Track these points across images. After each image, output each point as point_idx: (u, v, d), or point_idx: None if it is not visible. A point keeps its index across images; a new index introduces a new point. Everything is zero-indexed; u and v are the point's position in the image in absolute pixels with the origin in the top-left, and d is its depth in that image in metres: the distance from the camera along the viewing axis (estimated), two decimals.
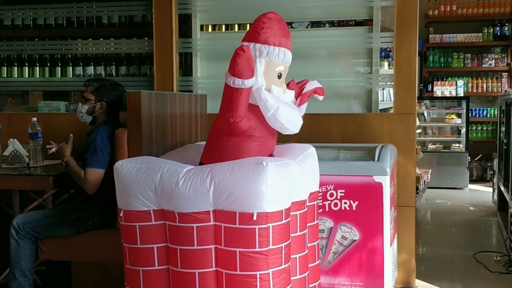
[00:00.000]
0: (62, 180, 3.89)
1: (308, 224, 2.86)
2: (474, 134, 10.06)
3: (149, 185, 2.58)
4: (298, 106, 2.88)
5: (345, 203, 3.62)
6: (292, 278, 2.65)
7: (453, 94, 9.85)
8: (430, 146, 9.58)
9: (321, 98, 2.99)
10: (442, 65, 10.18)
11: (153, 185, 2.57)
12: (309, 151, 3.02)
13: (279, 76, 2.73)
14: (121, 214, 2.68)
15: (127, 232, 2.67)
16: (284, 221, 2.51)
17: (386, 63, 6.38)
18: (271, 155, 2.79)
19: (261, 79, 2.64)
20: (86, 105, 3.99)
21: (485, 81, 10.07)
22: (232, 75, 2.51)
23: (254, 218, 2.41)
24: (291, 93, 2.83)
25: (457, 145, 9.45)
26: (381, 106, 4.86)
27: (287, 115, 2.67)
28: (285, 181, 2.53)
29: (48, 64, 5.32)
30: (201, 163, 2.78)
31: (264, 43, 2.65)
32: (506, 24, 9.88)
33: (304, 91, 2.92)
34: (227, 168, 2.49)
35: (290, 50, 2.76)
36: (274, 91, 2.67)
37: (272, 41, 2.66)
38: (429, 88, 10.09)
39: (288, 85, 2.85)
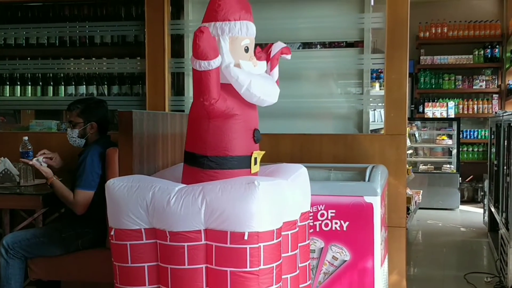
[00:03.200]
0: (52, 199, 3.88)
1: (299, 244, 2.86)
2: (465, 155, 10.10)
3: (141, 203, 2.58)
4: (270, 71, 2.83)
5: (336, 223, 3.62)
6: None
7: (444, 115, 9.90)
8: (421, 167, 9.60)
9: (289, 57, 2.90)
10: (433, 86, 10.25)
11: (145, 204, 2.57)
12: (301, 171, 3.02)
13: (246, 50, 2.68)
14: (112, 233, 2.66)
15: (118, 250, 2.66)
16: (275, 241, 2.50)
17: (377, 84, 6.42)
18: (255, 130, 2.75)
19: (228, 57, 2.59)
20: (76, 129, 3.99)
21: (476, 102, 10.13)
22: (197, 58, 2.46)
23: (246, 237, 2.40)
24: (263, 64, 2.77)
25: (448, 166, 9.48)
26: (372, 127, 4.88)
27: (261, 87, 2.64)
28: (277, 201, 2.53)
29: (40, 83, 5.33)
30: (185, 152, 2.76)
31: (224, 20, 2.61)
32: (497, 46, 9.97)
33: (271, 55, 2.84)
34: (219, 187, 2.48)
35: (252, 21, 2.71)
36: (243, 66, 2.63)
37: (232, 16, 2.61)
38: (420, 109, 10.15)
39: (254, 55, 2.78)
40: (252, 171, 2.71)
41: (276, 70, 2.86)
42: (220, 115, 2.60)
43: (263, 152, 2.77)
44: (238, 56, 2.64)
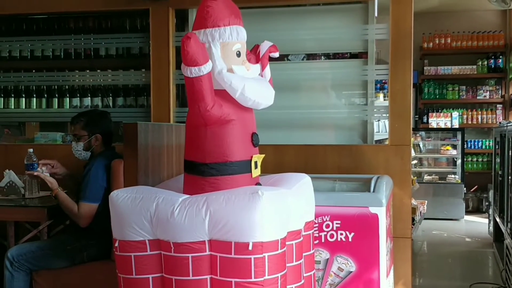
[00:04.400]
0: (57, 212, 3.88)
1: (304, 254, 2.85)
2: (469, 165, 10.09)
3: (145, 214, 2.57)
4: (262, 71, 2.82)
5: (341, 234, 3.61)
6: None
7: (448, 125, 9.90)
8: (426, 177, 9.59)
9: (277, 54, 2.89)
10: (437, 96, 10.25)
11: (149, 215, 2.57)
12: (304, 180, 3.01)
13: (238, 54, 2.68)
14: (116, 244, 2.66)
15: (122, 262, 2.66)
16: (280, 251, 2.50)
17: (381, 95, 6.43)
18: (254, 133, 2.75)
19: (220, 63, 2.59)
20: (81, 141, 3.99)
21: (480, 112, 10.13)
22: (187, 65, 2.46)
23: (250, 248, 2.40)
24: (256, 68, 2.77)
25: (452, 176, 9.47)
26: (376, 137, 4.88)
27: (256, 90, 2.63)
28: (281, 210, 2.53)
29: (45, 95, 5.35)
30: (185, 161, 2.76)
31: (213, 26, 2.60)
32: (500, 56, 9.98)
33: (261, 55, 2.83)
34: (223, 197, 2.48)
35: (242, 25, 2.71)
36: (236, 71, 2.62)
37: (222, 22, 2.61)
38: (425, 120, 10.15)
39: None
40: (253, 175, 2.70)
41: (267, 70, 2.86)
42: (216, 121, 2.59)
43: (263, 156, 2.76)
44: (230, 61, 2.64)
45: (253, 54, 2.85)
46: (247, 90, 2.59)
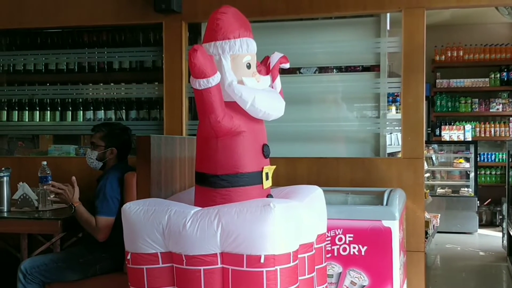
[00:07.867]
0: (70, 224, 3.89)
1: (316, 267, 2.84)
2: (482, 178, 10.02)
3: (157, 227, 2.58)
4: (272, 83, 2.82)
5: (354, 247, 3.60)
6: None
7: (461, 138, 9.84)
8: (439, 190, 9.53)
9: (287, 65, 2.90)
10: (450, 109, 10.21)
11: (161, 227, 2.57)
12: (316, 192, 3.00)
13: (248, 66, 2.69)
14: (129, 257, 2.67)
15: (135, 275, 2.66)
16: (292, 264, 2.49)
17: (393, 108, 6.42)
18: (265, 145, 2.75)
19: (230, 75, 2.60)
20: (96, 151, 4.01)
21: (492, 125, 10.07)
22: (195, 77, 2.46)
23: (262, 260, 2.39)
24: (266, 79, 2.78)
25: (466, 189, 9.41)
26: (389, 150, 4.87)
27: (266, 101, 2.64)
28: (293, 223, 2.52)
29: (59, 108, 5.39)
30: (196, 173, 2.76)
31: (223, 39, 2.61)
32: None
33: (271, 67, 2.84)
34: (235, 209, 2.48)
35: (252, 37, 2.72)
36: (246, 83, 2.63)
37: (232, 34, 2.62)
38: (437, 132, 10.09)
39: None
40: (265, 187, 2.71)
41: (278, 81, 2.86)
42: (227, 133, 2.60)
43: (274, 167, 2.77)
44: (240, 73, 2.66)
45: (264, 65, 2.86)
46: (257, 101, 2.60)
